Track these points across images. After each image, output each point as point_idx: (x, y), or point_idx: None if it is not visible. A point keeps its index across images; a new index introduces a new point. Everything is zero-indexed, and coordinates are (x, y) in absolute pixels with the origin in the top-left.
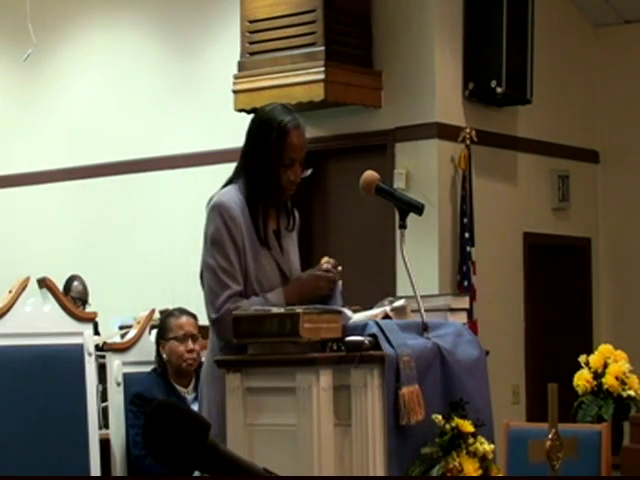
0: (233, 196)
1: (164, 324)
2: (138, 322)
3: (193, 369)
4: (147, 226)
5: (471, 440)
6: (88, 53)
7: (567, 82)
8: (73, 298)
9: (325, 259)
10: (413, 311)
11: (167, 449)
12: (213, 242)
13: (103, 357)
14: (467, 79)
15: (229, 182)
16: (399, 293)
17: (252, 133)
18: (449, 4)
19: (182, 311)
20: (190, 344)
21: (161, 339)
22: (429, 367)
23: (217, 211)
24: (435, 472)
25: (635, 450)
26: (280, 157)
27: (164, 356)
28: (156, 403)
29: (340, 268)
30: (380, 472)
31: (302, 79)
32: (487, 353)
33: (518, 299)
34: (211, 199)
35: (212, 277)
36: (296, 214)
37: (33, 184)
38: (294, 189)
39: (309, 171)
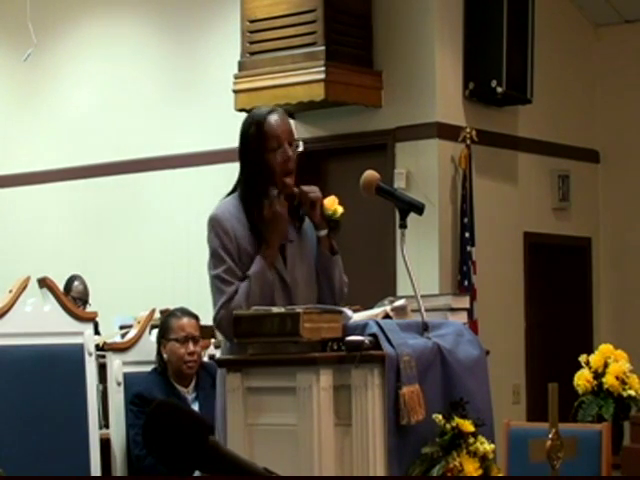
0: (229, 206)
1: (166, 324)
2: (138, 322)
3: (193, 371)
4: (147, 226)
5: (471, 440)
6: (88, 53)
7: (567, 82)
8: (73, 298)
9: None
10: (413, 311)
11: (167, 449)
12: (211, 254)
13: (103, 357)
14: (467, 79)
15: (232, 191)
16: (399, 293)
17: (239, 142)
18: (449, 4)
19: (184, 312)
20: (191, 346)
21: (162, 339)
22: (429, 367)
23: (211, 224)
24: (435, 472)
25: (635, 450)
26: (263, 145)
27: (165, 356)
28: (156, 403)
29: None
30: (380, 472)
31: (302, 79)
32: (487, 353)
33: (518, 299)
34: None
35: (212, 287)
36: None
37: (33, 184)
38: (291, 171)
39: (300, 145)
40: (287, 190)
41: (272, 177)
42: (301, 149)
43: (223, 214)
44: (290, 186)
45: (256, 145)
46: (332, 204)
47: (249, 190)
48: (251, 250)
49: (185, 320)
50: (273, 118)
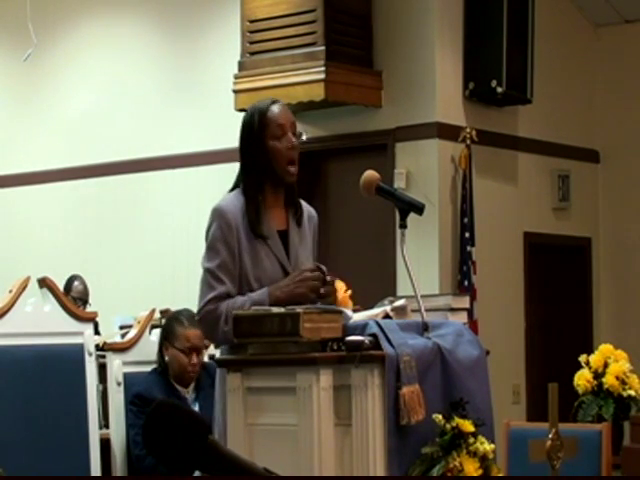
0: (234, 200)
1: (171, 329)
2: (138, 322)
3: (194, 378)
4: (147, 226)
5: (471, 440)
6: (88, 54)
7: (567, 82)
8: (74, 298)
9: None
10: (413, 311)
11: (167, 449)
12: (208, 246)
13: (103, 357)
14: (467, 79)
15: (235, 187)
16: (399, 293)
17: (240, 133)
18: (449, 4)
19: (189, 320)
20: (194, 358)
21: (165, 341)
22: (429, 367)
23: (213, 216)
24: (435, 472)
25: (635, 450)
26: (266, 132)
27: (166, 358)
28: (156, 403)
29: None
30: (380, 472)
31: (302, 79)
32: (487, 353)
33: (518, 299)
34: None
35: (202, 280)
36: (305, 210)
37: (33, 184)
38: (295, 159)
39: (304, 136)
40: (289, 179)
41: (275, 165)
42: (304, 138)
43: (227, 206)
44: (293, 175)
45: (259, 133)
46: (342, 297)
47: (250, 180)
48: (249, 247)
49: (191, 331)
50: (276, 107)
